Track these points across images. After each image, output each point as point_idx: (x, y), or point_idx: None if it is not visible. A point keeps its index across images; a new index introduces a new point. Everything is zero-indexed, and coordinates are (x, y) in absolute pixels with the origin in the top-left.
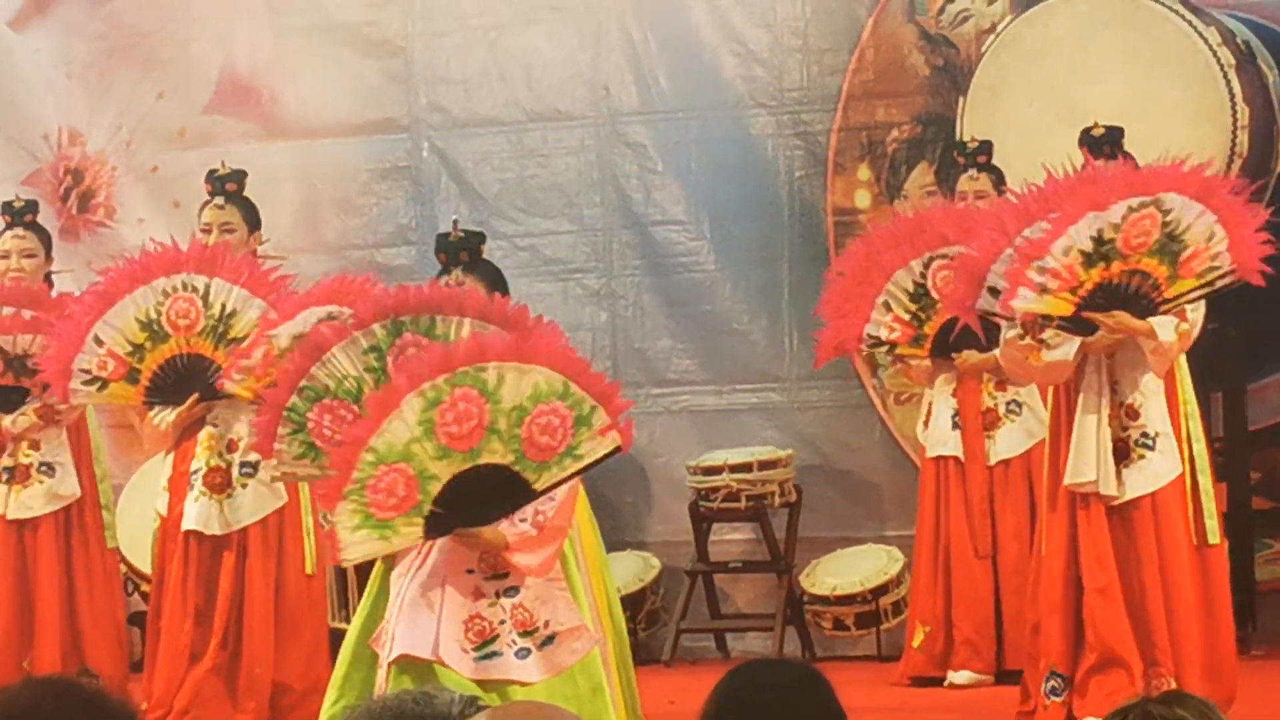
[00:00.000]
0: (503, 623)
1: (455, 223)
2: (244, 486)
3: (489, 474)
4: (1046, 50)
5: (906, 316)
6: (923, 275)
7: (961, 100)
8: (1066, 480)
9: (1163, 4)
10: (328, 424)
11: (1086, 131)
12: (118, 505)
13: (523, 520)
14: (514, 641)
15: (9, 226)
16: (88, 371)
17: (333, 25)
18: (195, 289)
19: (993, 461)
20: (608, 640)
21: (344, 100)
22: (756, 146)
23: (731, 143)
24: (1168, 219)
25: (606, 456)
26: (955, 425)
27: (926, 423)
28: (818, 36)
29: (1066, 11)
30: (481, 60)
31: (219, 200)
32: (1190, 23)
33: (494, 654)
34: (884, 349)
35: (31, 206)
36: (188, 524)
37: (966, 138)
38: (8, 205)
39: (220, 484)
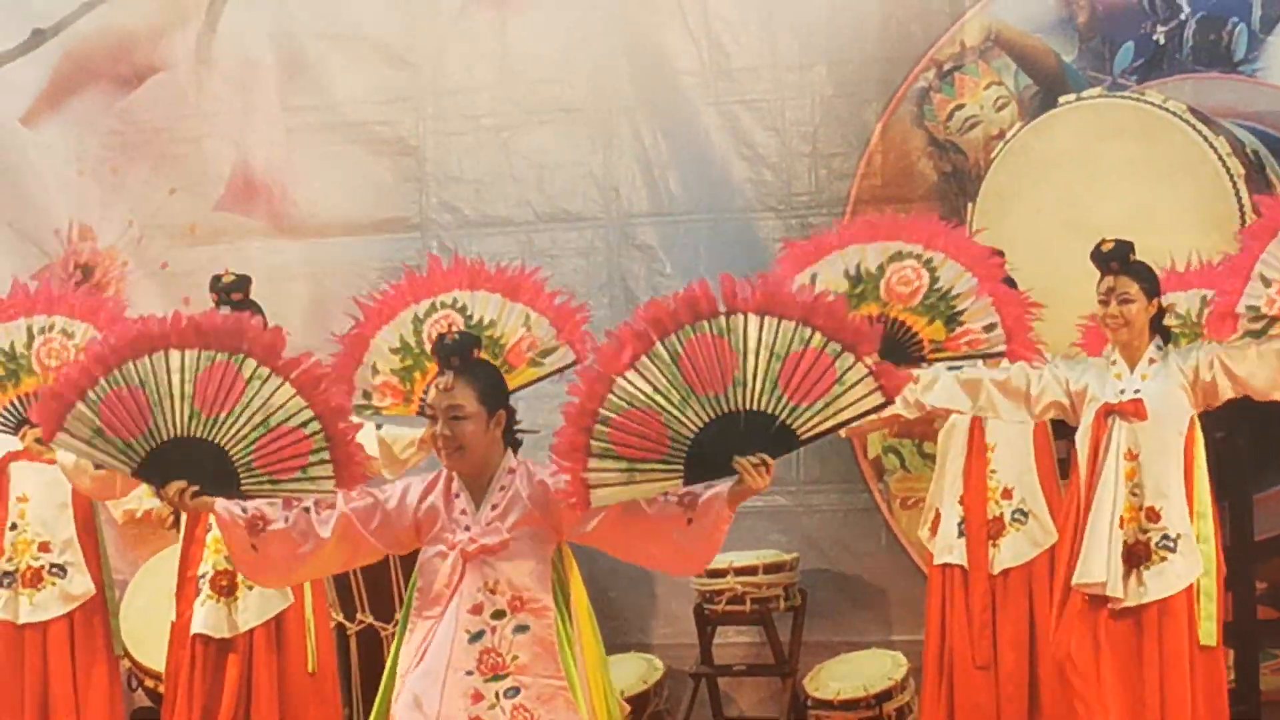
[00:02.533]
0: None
1: (450, 326)
2: (250, 589)
3: (751, 421)
4: (1055, 158)
5: None
6: None
7: (970, 206)
8: (1075, 580)
9: (1172, 113)
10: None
11: (1097, 248)
12: (122, 600)
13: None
14: None
15: None
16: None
17: (345, 124)
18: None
19: (995, 570)
20: None
21: (355, 198)
22: (765, 250)
23: (740, 246)
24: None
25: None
26: (961, 533)
27: (934, 529)
28: (827, 141)
29: (1075, 120)
30: (493, 160)
31: (225, 310)
32: (1199, 132)
33: None
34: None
35: None
36: (196, 628)
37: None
38: None
39: (227, 587)
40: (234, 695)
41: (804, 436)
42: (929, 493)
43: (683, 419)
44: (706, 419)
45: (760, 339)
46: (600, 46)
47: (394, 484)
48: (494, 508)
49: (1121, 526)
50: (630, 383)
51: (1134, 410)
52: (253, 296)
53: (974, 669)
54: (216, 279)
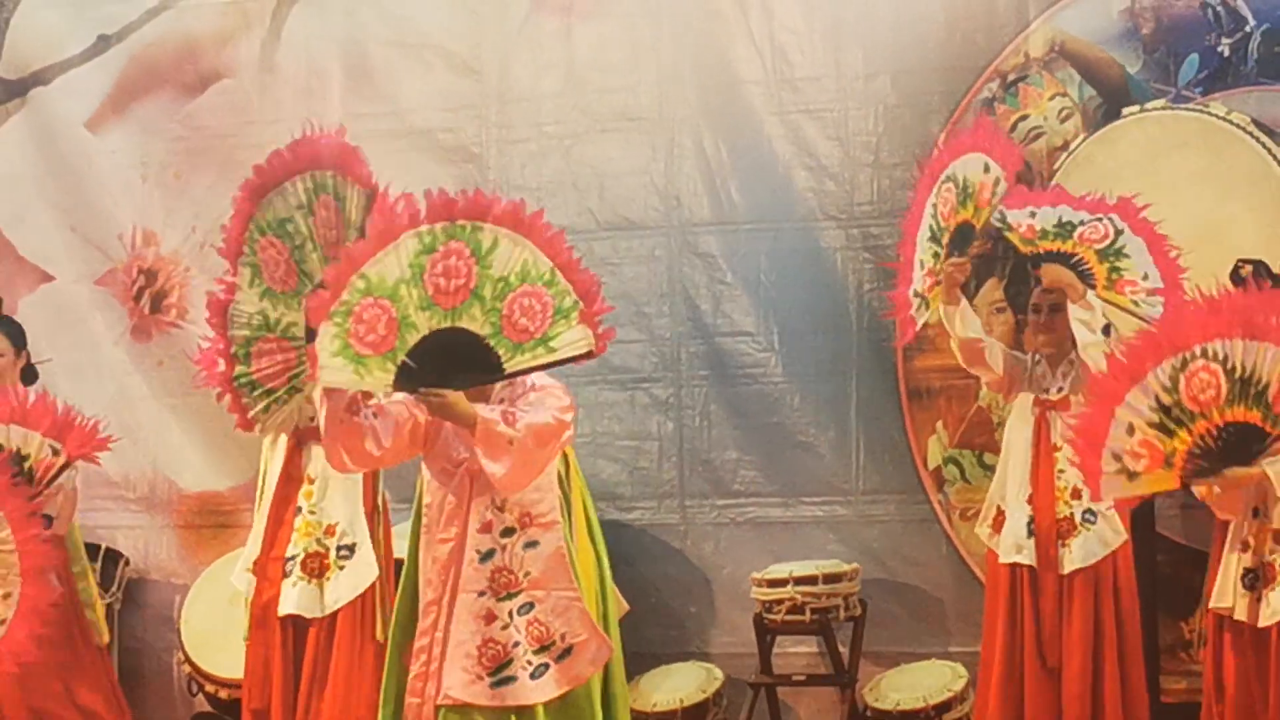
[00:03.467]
0: (516, 644)
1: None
2: (340, 569)
3: (464, 340)
4: (1119, 170)
5: None
6: None
7: None
8: (1211, 604)
9: (1236, 125)
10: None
11: (1234, 271)
12: (183, 605)
13: (492, 409)
14: (529, 662)
15: None
16: None
17: (408, 130)
18: None
19: (1065, 570)
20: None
21: None
22: (826, 259)
23: (801, 255)
24: (1228, 366)
25: (580, 358)
26: (1030, 533)
27: (996, 527)
28: (889, 151)
29: (1139, 132)
30: (555, 168)
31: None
32: (1263, 144)
33: (509, 679)
34: None
35: None
36: (287, 608)
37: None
38: None
39: (318, 569)
40: (310, 670)
41: (509, 371)
42: (989, 490)
43: (415, 321)
44: (427, 330)
45: (506, 263)
46: (665, 55)
47: (396, 396)
48: (500, 400)
49: (1251, 550)
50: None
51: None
52: None
53: (1043, 671)
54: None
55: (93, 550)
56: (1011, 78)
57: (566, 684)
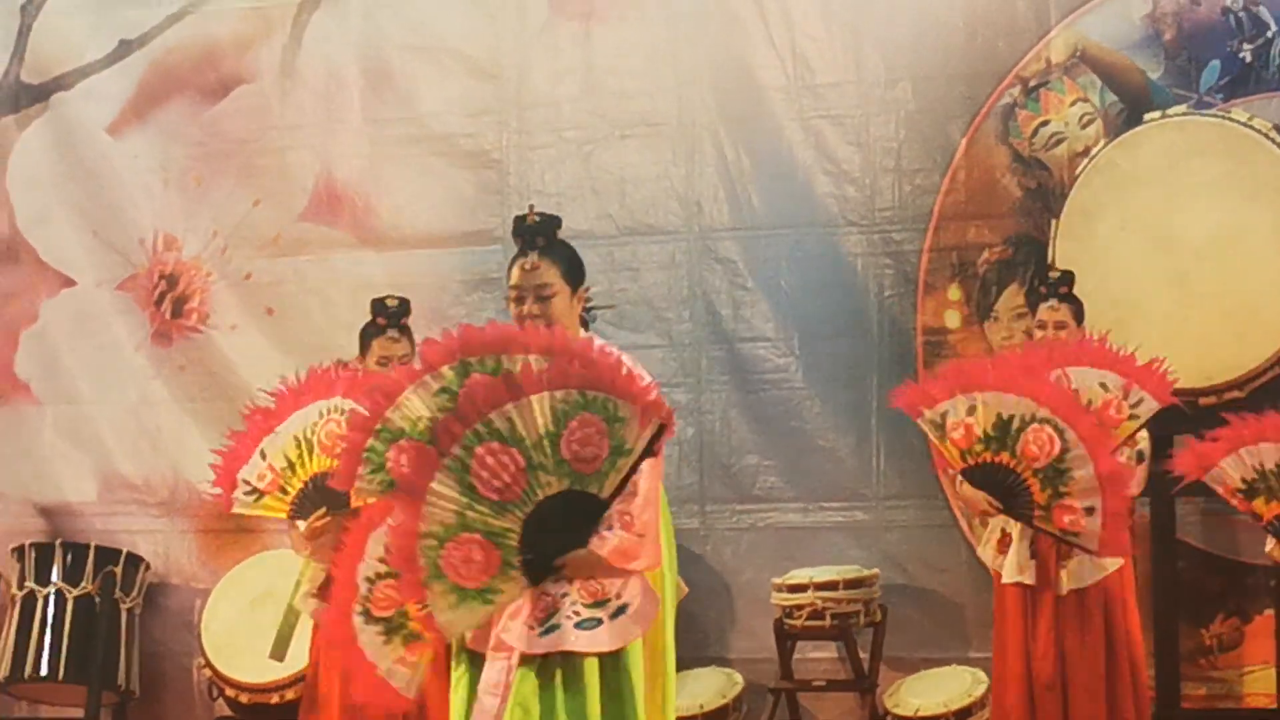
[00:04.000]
0: (564, 595)
1: (531, 207)
2: None
3: (556, 504)
4: (1140, 176)
5: None
6: None
7: (1054, 223)
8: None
9: (1258, 131)
10: (404, 463)
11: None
12: (204, 609)
13: (609, 529)
14: (576, 613)
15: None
16: (248, 483)
17: (429, 136)
18: (343, 412)
19: (1062, 591)
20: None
21: (438, 211)
22: (847, 265)
23: (822, 261)
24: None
25: (657, 438)
26: (1034, 554)
27: (1001, 548)
28: (911, 157)
29: (1160, 138)
30: (575, 173)
31: (393, 333)
32: None
33: (554, 627)
34: None
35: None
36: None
37: (1057, 261)
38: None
39: None
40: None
41: (607, 497)
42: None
43: (501, 529)
44: (520, 522)
45: (538, 423)
46: (685, 61)
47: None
48: None
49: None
50: (441, 499)
51: None
52: (335, 306)
53: (1044, 688)
54: (381, 302)
55: (113, 554)
56: (1033, 83)
57: (619, 641)
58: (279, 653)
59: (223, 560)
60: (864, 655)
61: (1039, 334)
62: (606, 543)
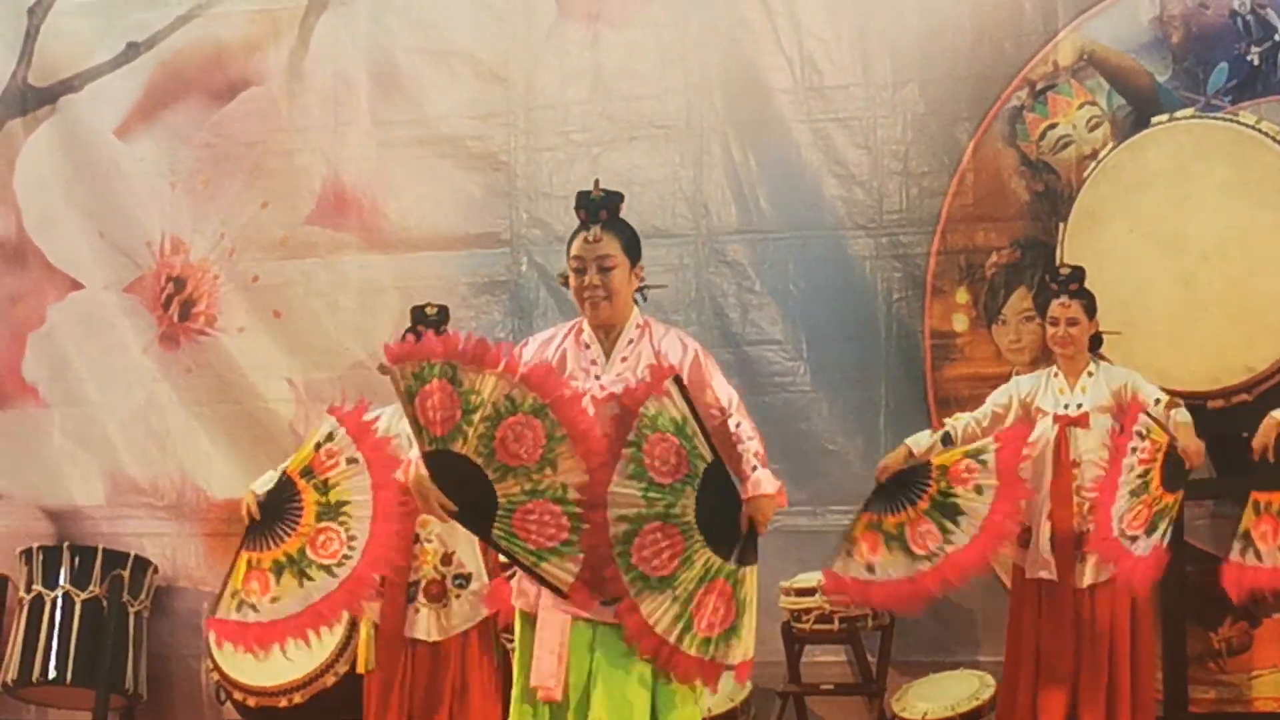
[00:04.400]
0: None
1: (596, 182)
2: (457, 597)
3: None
4: (1147, 179)
5: None
6: None
7: (1061, 226)
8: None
9: (1265, 135)
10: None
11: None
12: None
13: (752, 470)
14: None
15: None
16: None
17: (436, 138)
18: None
19: (1083, 585)
20: None
21: (446, 213)
22: (855, 268)
23: (830, 264)
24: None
25: None
26: (1052, 548)
27: (1023, 544)
28: (918, 160)
29: (1168, 141)
30: (583, 176)
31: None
32: None
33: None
34: None
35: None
36: (412, 632)
37: (1065, 263)
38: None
39: (438, 595)
40: (450, 695)
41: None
42: None
43: (682, 508)
44: (694, 497)
45: (678, 410)
46: (693, 63)
47: (522, 343)
48: (623, 360)
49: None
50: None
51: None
52: (342, 309)
53: (1056, 681)
54: (421, 310)
55: (121, 558)
56: (1040, 86)
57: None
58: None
59: (227, 561)
60: (872, 659)
61: (1051, 330)
62: (761, 481)
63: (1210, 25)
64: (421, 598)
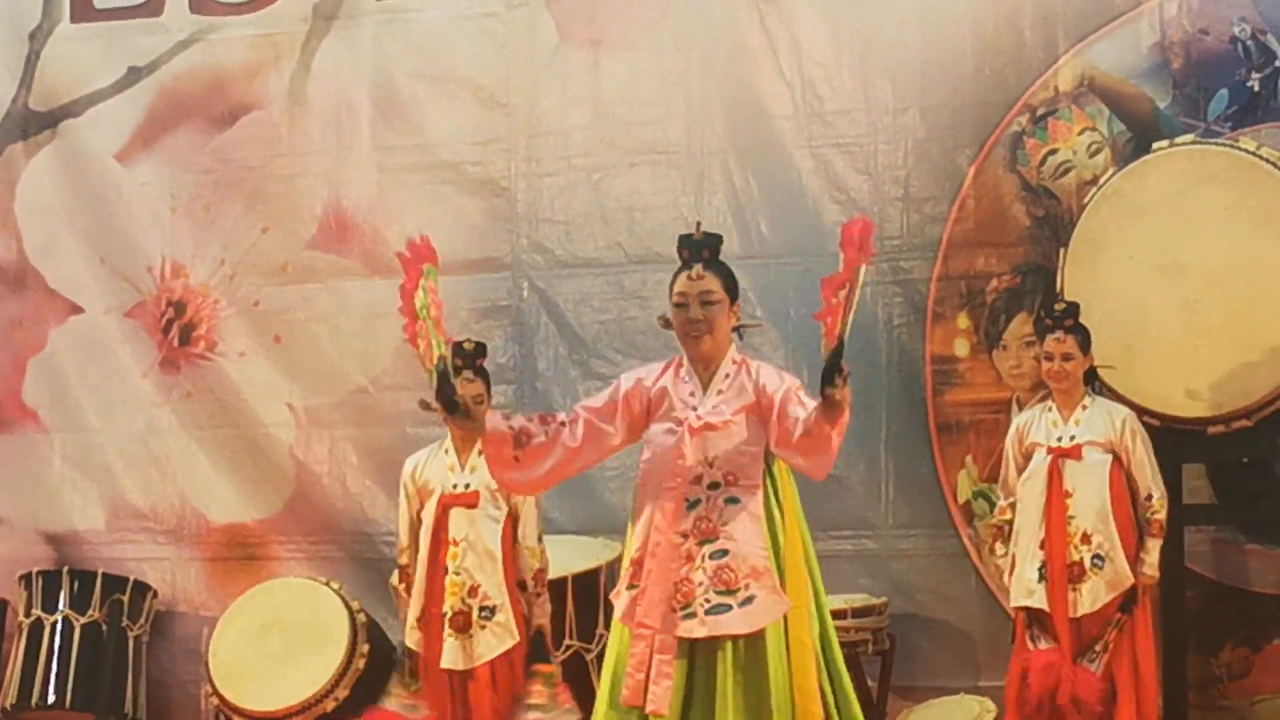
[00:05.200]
0: (701, 584)
1: (698, 224)
2: (483, 628)
3: None
4: (1148, 204)
5: None
6: None
7: (1062, 252)
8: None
9: (1265, 160)
10: None
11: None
12: (211, 638)
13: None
14: (708, 600)
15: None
16: None
17: (437, 164)
18: None
19: (1077, 614)
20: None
21: (447, 238)
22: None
23: None
24: None
25: None
26: (1041, 577)
27: (1011, 572)
28: (919, 185)
29: (1168, 166)
30: (584, 201)
31: (468, 374)
32: None
33: (690, 614)
34: None
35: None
36: (444, 663)
37: (1065, 290)
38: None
39: (463, 625)
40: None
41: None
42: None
43: None
44: None
45: None
46: (693, 89)
47: (622, 376)
48: (719, 393)
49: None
50: None
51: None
52: (343, 334)
53: (1054, 710)
54: (459, 345)
55: (120, 582)
56: (1041, 112)
57: (745, 628)
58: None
59: (230, 588)
60: (872, 684)
61: (1046, 365)
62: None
63: (1211, 51)
64: (449, 628)
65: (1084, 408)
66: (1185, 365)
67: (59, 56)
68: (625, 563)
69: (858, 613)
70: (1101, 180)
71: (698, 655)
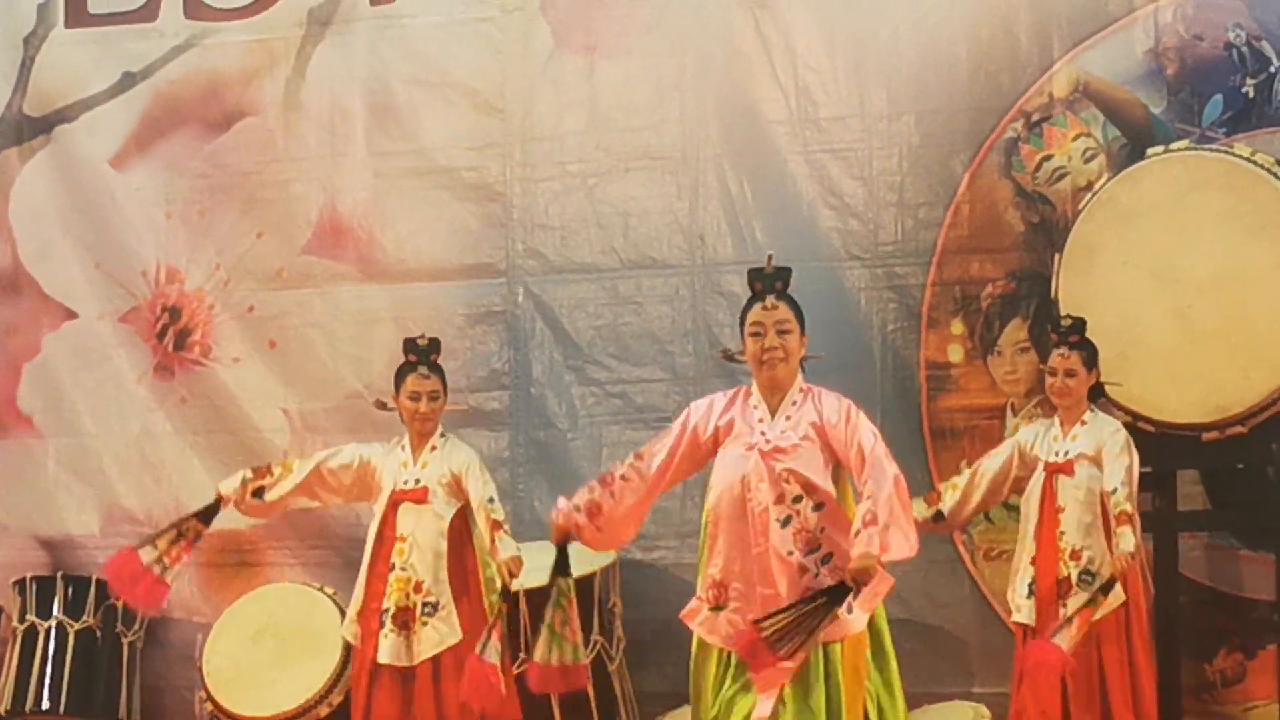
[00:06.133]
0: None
1: (770, 257)
2: (425, 624)
3: None
4: (1143, 210)
5: None
6: None
7: (1057, 257)
8: None
9: (1260, 166)
10: None
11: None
12: (205, 643)
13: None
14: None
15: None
16: None
17: (433, 169)
18: None
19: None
20: None
21: (441, 243)
22: (850, 299)
23: (825, 295)
24: None
25: None
26: (1030, 593)
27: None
28: (914, 191)
29: (1163, 172)
30: (579, 207)
31: (423, 369)
32: None
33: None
34: None
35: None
36: (382, 658)
37: (1059, 295)
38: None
39: (405, 623)
40: (406, 716)
41: None
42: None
43: None
44: None
45: None
46: (689, 95)
47: (692, 405)
48: (787, 418)
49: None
50: None
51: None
52: (338, 339)
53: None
54: (410, 341)
55: None
56: (1035, 118)
57: (868, 612)
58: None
59: (224, 594)
60: None
61: (1050, 380)
62: (862, 541)
63: (1205, 57)
64: (390, 624)
65: (1083, 423)
66: (1179, 371)
67: (54, 61)
68: (702, 581)
69: None
70: (1096, 186)
71: (815, 661)
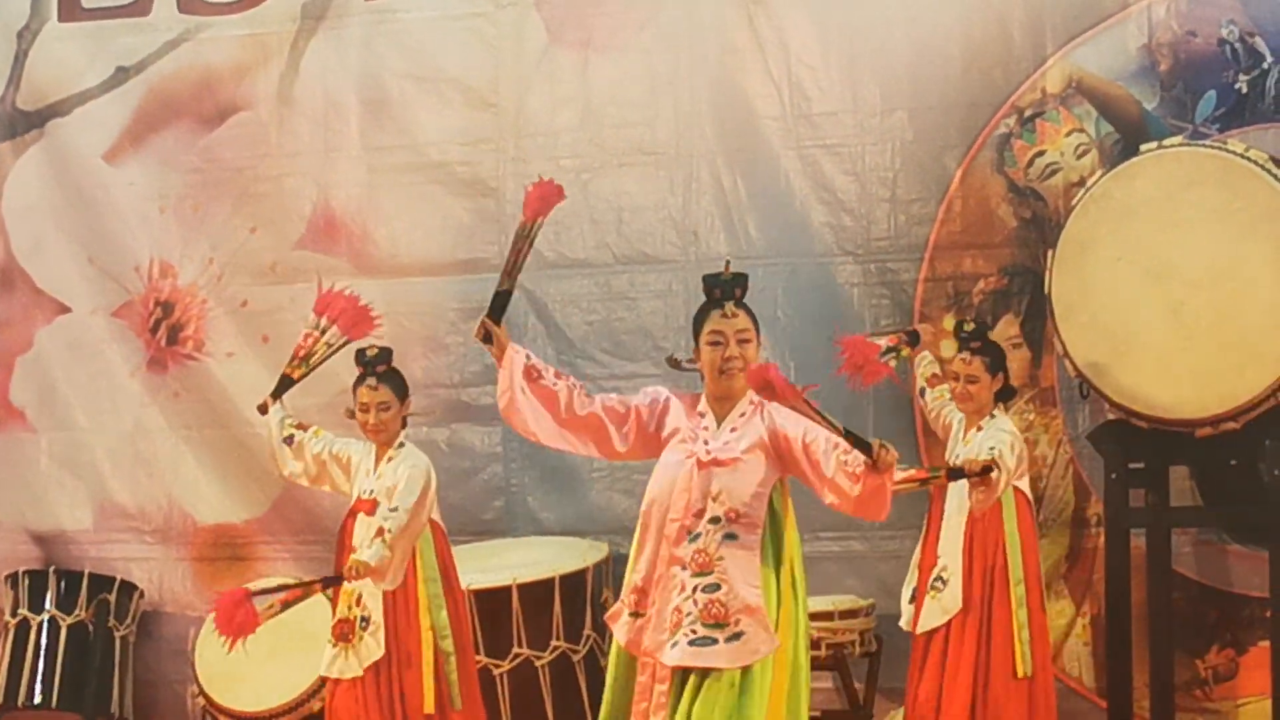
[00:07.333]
0: (689, 614)
1: (727, 264)
2: (360, 639)
3: None
4: (1135, 206)
5: None
6: None
7: (1049, 254)
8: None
9: (1253, 162)
10: None
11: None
12: (199, 639)
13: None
14: (694, 630)
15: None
16: None
17: (426, 164)
18: None
19: (919, 631)
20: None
21: (434, 239)
22: (843, 294)
23: (818, 290)
24: None
25: None
26: (913, 597)
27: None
28: (906, 187)
29: (1156, 168)
30: (572, 202)
31: (371, 381)
32: None
33: (676, 643)
34: None
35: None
36: (325, 670)
37: (1053, 292)
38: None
39: (345, 634)
40: None
41: None
42: None
43: None
44: None
45: None
46: (682, 90)
47: (645, 392)
48: (733, 430)
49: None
50: None
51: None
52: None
53: None
54: (361, 352)
55: (107, 582)
56: (1028, 113)
57: (726, 663)
58: None
59: (217, 588)
60: (859, 685)
61: (953, 385)
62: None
63: (1199, 53)
64: (331, 636)
65: (979, 429)
66: (1172, 367)
67: (47, 56)
68: (627, 585)
69: (844, 614)
70: (1089, 182)
71: (691, 687)
